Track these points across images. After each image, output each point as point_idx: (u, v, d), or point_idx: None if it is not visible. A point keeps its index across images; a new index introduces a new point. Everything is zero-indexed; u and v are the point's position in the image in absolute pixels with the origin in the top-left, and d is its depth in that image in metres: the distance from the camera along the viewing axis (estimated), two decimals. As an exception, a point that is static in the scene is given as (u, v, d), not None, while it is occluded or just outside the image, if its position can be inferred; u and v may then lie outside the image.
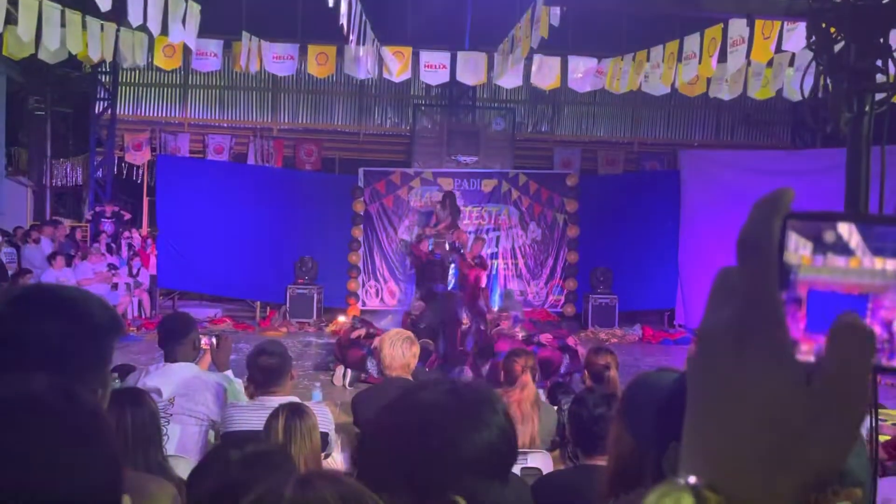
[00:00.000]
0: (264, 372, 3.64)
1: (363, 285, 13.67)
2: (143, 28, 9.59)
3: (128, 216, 14.17)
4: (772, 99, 12.06)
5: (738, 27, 8.96)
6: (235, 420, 3.56)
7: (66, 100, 15.84)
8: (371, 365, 7.94)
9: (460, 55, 12.16)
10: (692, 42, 9.95)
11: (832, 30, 2.81)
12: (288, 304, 12.79)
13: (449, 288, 10.50)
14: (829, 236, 0.48)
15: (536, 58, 11.51)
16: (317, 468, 2.83)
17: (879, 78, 2.80)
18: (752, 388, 0.47)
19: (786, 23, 8.32)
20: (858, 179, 2.76)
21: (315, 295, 12.80)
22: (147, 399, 2.76)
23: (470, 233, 12.90)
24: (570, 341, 8.20)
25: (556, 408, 4.59)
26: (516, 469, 3.14)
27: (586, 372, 4.87)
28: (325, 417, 3.68)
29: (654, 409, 1.32)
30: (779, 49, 9.20)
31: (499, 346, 7.76)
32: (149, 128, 14.85)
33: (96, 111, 14.74)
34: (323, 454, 3.31)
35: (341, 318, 12.10)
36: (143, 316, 12.50)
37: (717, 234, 11.11)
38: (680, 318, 13.21)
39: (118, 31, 10.34)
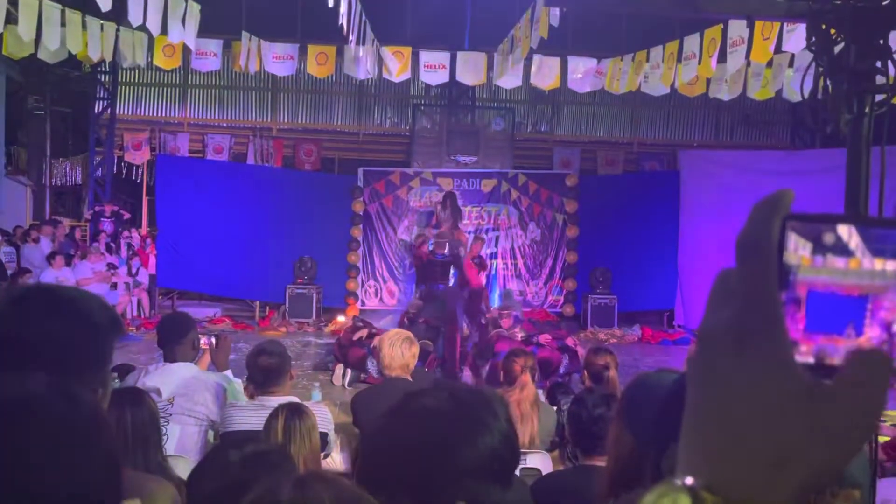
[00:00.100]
0: (264, 372, 3.64)
1: (362, 285, 13.67)
2: (142, 28, 9.59)
3: (127, 216, 14.17)
4: (771, 99, 12.07)
5: (737, 28, 8.96)
6: (235, 420, 3.56)
7: (66, 99, 15.84)
8: (371, 365, 7.94)
9: (460, 55, 12.16)
10: (692, 42, 9.95)
11: (832, 31, 2.81)
12: (287, 304, 12.79)
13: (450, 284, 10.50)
14: (828, 237, 0.48)
15: (536, 58, 11.51)
16: (315, 469, 2.83)
17: (879, 79, 2.80)
18: (752, 388, 0.47)
19: (785, 23, 8.32)
20: (858, 180, 2.76)
21: (314, 295, 12.80)
22: (147, 399, 2.76)
23: (469, 233, 12.90)
24: (570, 341, 8.20)
25: (555, 408, 4.59)
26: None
27: (586, 372, 4.87)
28: (324, 417, 3.68)
29: (654, 409, 1.32)
30: (778, 50, 9.21)
31: (498, 346, 7.76)
32: (148, 127, 14.84)
33: (96, 111, 14.73)
34: (322, 454, 3.31)
35: (340, 318, 12.10)
36: (143, 315, 12.50)
37: (716, 235, 11.12)
38: (679, 319, 13.21)
39: (118, 30, 10.34)
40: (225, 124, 15.16)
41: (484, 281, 11.75)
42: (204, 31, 10.43)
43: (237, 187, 13.35)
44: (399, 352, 4.04)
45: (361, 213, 13.60)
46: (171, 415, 3.62)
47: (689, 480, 0.48)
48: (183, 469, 2.74)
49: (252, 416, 3.46)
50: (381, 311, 12.80)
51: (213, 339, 4.20)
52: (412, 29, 13.61)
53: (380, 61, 11.75)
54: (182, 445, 3.62)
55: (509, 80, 11.80)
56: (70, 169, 15.76)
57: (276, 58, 11.86)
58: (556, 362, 7.84)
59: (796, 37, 8.35)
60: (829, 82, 2.79)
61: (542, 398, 4.83)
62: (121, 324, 1.37)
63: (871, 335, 0.48)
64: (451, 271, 10.61)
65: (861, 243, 0.48)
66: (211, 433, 3.77)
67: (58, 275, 10.79)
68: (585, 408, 2.87)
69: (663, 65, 10.50)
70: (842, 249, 0.48)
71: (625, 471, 1.49)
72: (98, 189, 14.48)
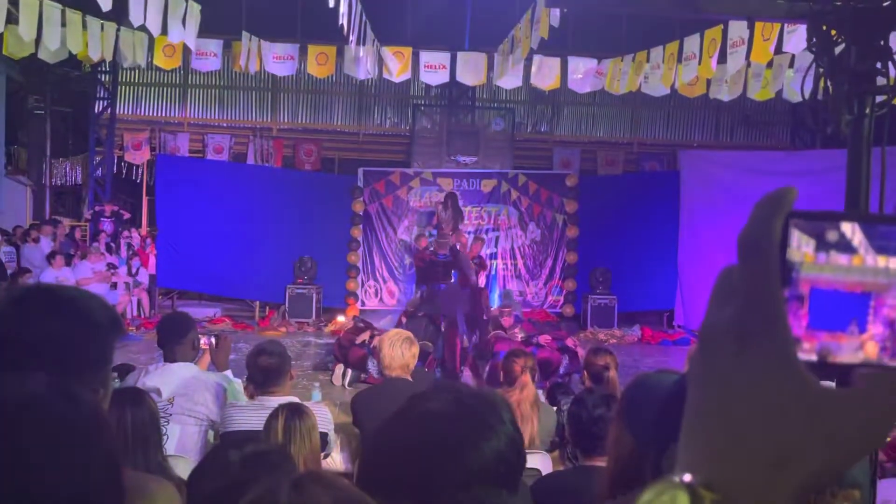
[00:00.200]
0: (264, 372, 3.63)
1: (362, 285, 13.67)
2: (143, 28, 9.59)
3: (127, 215, 14.17)
4: (771, 100, 12.08)
5: (737, 28, 8.97)
6: (235, 420, 3.56)
7: (66, 99, 15.84)
8: (372, 365, 7.94)
9: (460, 55, 12.16)
10: (692, 43, 9.95)
11: (833, 32, 2.81)
12: (287, 304, 12.79)
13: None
14: (832, 234, 0.48)
15: (536, 58, 11.52)
16: (314, 469, 2.82)
17: (880, 80, 2.80)
18: (753, 387, 0.47)
19: (786, 24, 8.32)
20: (859, 181, 2.76)
21: (314, 295, 12.80)
22: (147, 399, 2.76)
23: (469, 233, 12.91)
24: (570, 342, 8.19)
25: (555, 408, 4.59)
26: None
27: (585, 372, 4.87)
28: (324, 417, 3.68)
29: (654, 409, 1.32)
30: (779, 50, 9.21)
31: (497, 346, 7.76)
32: (148, 127, 14.85)
33: (96, 111, 14.73)
34: (322, 454, 3.31)
35: (340, 318, 12.10)
36: (143, 315, 12.50)
37: (716, 235, 11.13)
38: (679, 319, 13.20)
39: (118, 30, 10.35)
40: (225, 124, 15.16)
41: (484, 281, 11.74)
42: (204, 31, 10.43)
43: (237, 187, 13.34)
44: (399, 352, 4.04)
45: (361, 214, 13.60)
46: (171, 415, 3.62)
47: (688, 477, 0.48)
48: (183, 469, 2.74)
49: (252, 416, 3.46)
50: (381, 311, 12.80)
51: (213, 339, 4.20)
52: (412, 29, 13.62)
53: (380, 61, 11.75)
54: (182, 445, 3.62)
55: (509, 80, 11.80)
56: (70, 169, 15.76)
57: (277, 58, 11.86)
58: (556, 363, 7.84)
59: (797, 37, 8.35)
60: (829, 83, 2.79)
61: (542, 398, 4.84)
62: (121, 324, 1.36)
63: (874, 332, 0.48)
64: (452, 272, 10.61)
65: (864, 240, 0.48)
66: (211, 433, 3.77)
67: (58, 275, 10.79)
68: (585, 408, 2.87)
69: (663, 65, 10.50)
70: (845, 246, 0.48)
71: (625, 471, 1.49)
72: (98, 189, 14.48)
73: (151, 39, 10.67)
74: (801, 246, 0.48)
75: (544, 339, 8.10)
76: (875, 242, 0.48)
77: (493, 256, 13.57)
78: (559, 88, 12.43)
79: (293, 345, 10.24)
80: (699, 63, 9.81)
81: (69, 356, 1.21)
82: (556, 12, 8.42)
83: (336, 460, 4.59)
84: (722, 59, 9.45)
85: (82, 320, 1.26)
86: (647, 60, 10.88)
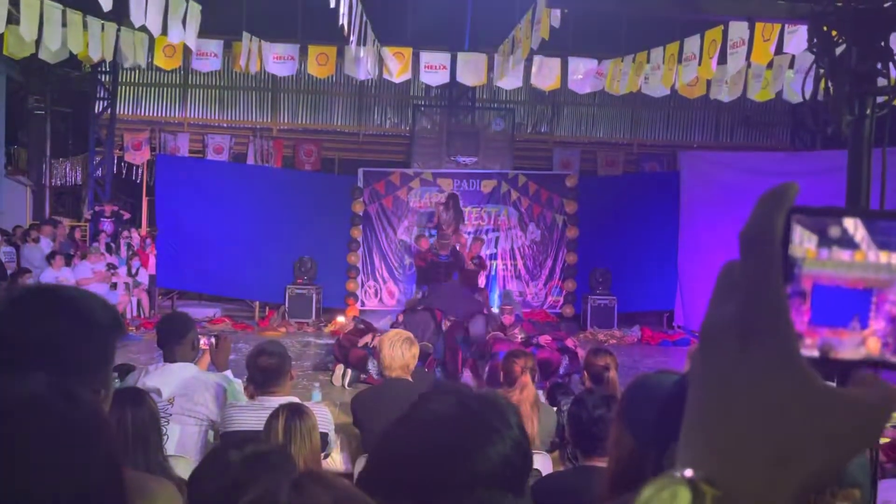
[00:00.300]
0: (264, 372, 3.63)
1: (362, 286, 13.67)
2: (143, 28, 9.60)
3: (127, 216, 14.16)
4: (771, 100, 12.08)
5: (738, 29, 8.97)
6: (235, 420, 3.56)
7: (66, 99, 15.84)
8: (372, 365, 7.94)
9: (460, 56, 12.17)
10: (692, 44, 9.96)
11: (834, 33, 2.81)
12: (287, 304, 12.79)
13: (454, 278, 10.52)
14: (834, 230, 0.48)
15: (536, 59, 11.52)
16: (314, 470, 2.82)
17: (881, 81, 2.80)
18: (754, 384, 0.47)
19: (786, 25, 8.32)
20: (860, 181, 2.76)
21: (314, 295, 12.79)
22: (147, 399, 2.76)
23: (469, 233, 12.91)
24: (569, 342, 8.19)
25: (555, 409, 4.59)
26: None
27: (585, 373, 4.87)
28: (324, 418, 3.68)
29: (655, 410, 1.32)
30: (779, 51, 9.21)
31: (496, 347, 7.75)
32: (148, 127, 14.85)
33: (96, 111, 14.73)
34: (322, 454, 3.31)
35: (340, 319, 12.09)
36: (142, 316, 12.49)
37: (716, 236, 11.12)
38: (679, 320, 13.20)
39: (119, 31, 10.35)
40: (225, 124, 15.16)
41: (484, 282, 11.75)
42: (204, 31, 10.43)
43: (237, 187, 13.34)
44: (399, 352, 4.04)
45: (361, 214, 13.60)
46: (171, 415, 3.62)
47: (689, 472, 0.47)
48: (183, 469, 2.74)
49: (252, 416, 3.46)
50: (380, 312, 12.79)
51: (213, 340, 4.20)
52: (413, 29, 13.62)
53: (380, 62, 11.75)
54: (182, 445, 3.62)
55: (510, 80, 11.80)
56: (70, 169, 15.77)
57: (277, 58, 11.86)
58: (556, 363, 7.83)
59: (797, 38, 8.35)
60: (830, 84, 2.79)
61: (542, 399, 4.84)
62: (122, 324, 1.36)
63: (876, 328, 0.48)
64: (453, 273, 10.64)
65: (867, 236, 0.48)
66: (211, 433, 3.77)
67: (58, 275, 10.79)
68: (585, 409, 2.87)
69: (664, 66, 10.50)
70: (847, 242, 0.48)
71: (625, 472, 1.48)
72: (98, 189, 14.48)
73: (152, 40, 10.68)
74: (803, 242, 0.48)
75: (544, 339, 8.09)
76: (877, 238, 0.48)
77: (493, 257, 13.56)
78: (559, 89, 12.44)
79: (293, 345, 10.24)
80: (699, 64, 9.82)
81: (70, 356, 1.21)
82: (557, 13, 8.42)
83: (336, 460, 4.59)
84: (722, 59, 9.45)
85: (83, 320, 1.25)
86: (648, 61, 10.89)
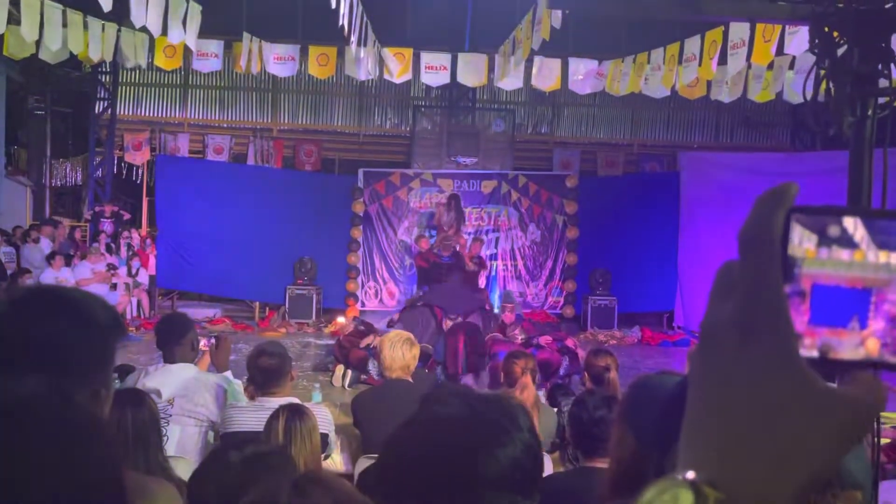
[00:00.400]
0: (264, 373, 3.63)
1: (362, 286, 13.67)
2: (143, 28, 9.60)
3: (127, 216, 14.17)
4: (771, 101, 12.10)
5: (738, 30, 8.97)
6: (235, 421, 3.55)
7: (66, 100, 15.85)
8: (372, 366, 7.94)
9: (461, 57, 12.17)
10: (692, 44, 9.96)
11: (835, 34, 2.81)
12: (287, 305, 12.79)
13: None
14: (833, 230, 0.48)
15: (537, 59, 11.53)
16: (314, 471, 2.82)
17: (882, 82, 2.80)
18: (754, 384, 0.47)
19: (787, 26, 8.32)
20: (861, 182, 2.76)
21: (314, 295, 12.79)
22: (147, 399, 2.76)
23: (469, 234, 12.91)
24: (570, 343, 8.18)
25: (555, 410, 4.59)
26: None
27: (586, 374, 4.87)
28: (324, 418, 3.68)
29: (656, 410, 1.31)
30: (779, 52, 9.21)
31: (496, 348, 7.75)
32: (148, 128, 14.85)
33: (96, 111, 14.73)
34: (323, 455, 3.30)
35: (340, 319, 12.09)
36: (142, 316, 12.49)
37: (716, 236, 11.12)
38: (679, 320, 13.20)
39: (119, 31, 10.36)
40: (225, 125, 15.17)
41: (484, 282, 11.74)
42: (205, 31, 10.44)
43: (237, 188, 13.34)
44: (400, 353, 4.04)
45: (361, 214, 13.60)
46: (171, 416, 3.61)
47: (691, 475, 0.47)
48: (183, 470, 2.73)
49: (252, 417, 3.45)
50: (380, 312, 12.78)
51: (213, 340, 4.20)
52: (413, 30, 13.62)
53: (381, 62, 11.76)
54: (182, 446, 3.61)
55: (510, 81, 11.81)
56: (70, 169, 15.77)
57: (277, 59, 11.86)
58: (557, 364, 7.83)
59: (798, 39, 8.35)
60: (831, 85, 2.78)
61: (543, 400, 4.84)
62: (122, 324, 1.36)
63: (875, 328, 0.48)
64: (454, 275, 10.63)
65: (866, 235, 0.48)
66: (211, 434, 3.77)
67: (57, 275, 10.79)
68: (586, 409, 2.87)
69: (664, 67, 10.51)
70: (847, 242, 0.48)
71: (627, 473, 1.48)
72: (98, 189, 14.48)
73: (152, 40, 10.69)
74: (802, 241, 0.48)
75: (544, 340, 8.09)
76: (877, 237, 0.48)
77: (494, 257, 13.56)
78: (560, 89, 12.45)
79: (293, 346, 10.24)
80: (700, 64, 9.82)
81: (70, 357, 1.21)
82: (558, 13, 8.43)
83: (336, 461, 4.59)
84: (722, 60, 9.46)
85: (83, 321, 1.25)
86: (648, 62, 10.89)
